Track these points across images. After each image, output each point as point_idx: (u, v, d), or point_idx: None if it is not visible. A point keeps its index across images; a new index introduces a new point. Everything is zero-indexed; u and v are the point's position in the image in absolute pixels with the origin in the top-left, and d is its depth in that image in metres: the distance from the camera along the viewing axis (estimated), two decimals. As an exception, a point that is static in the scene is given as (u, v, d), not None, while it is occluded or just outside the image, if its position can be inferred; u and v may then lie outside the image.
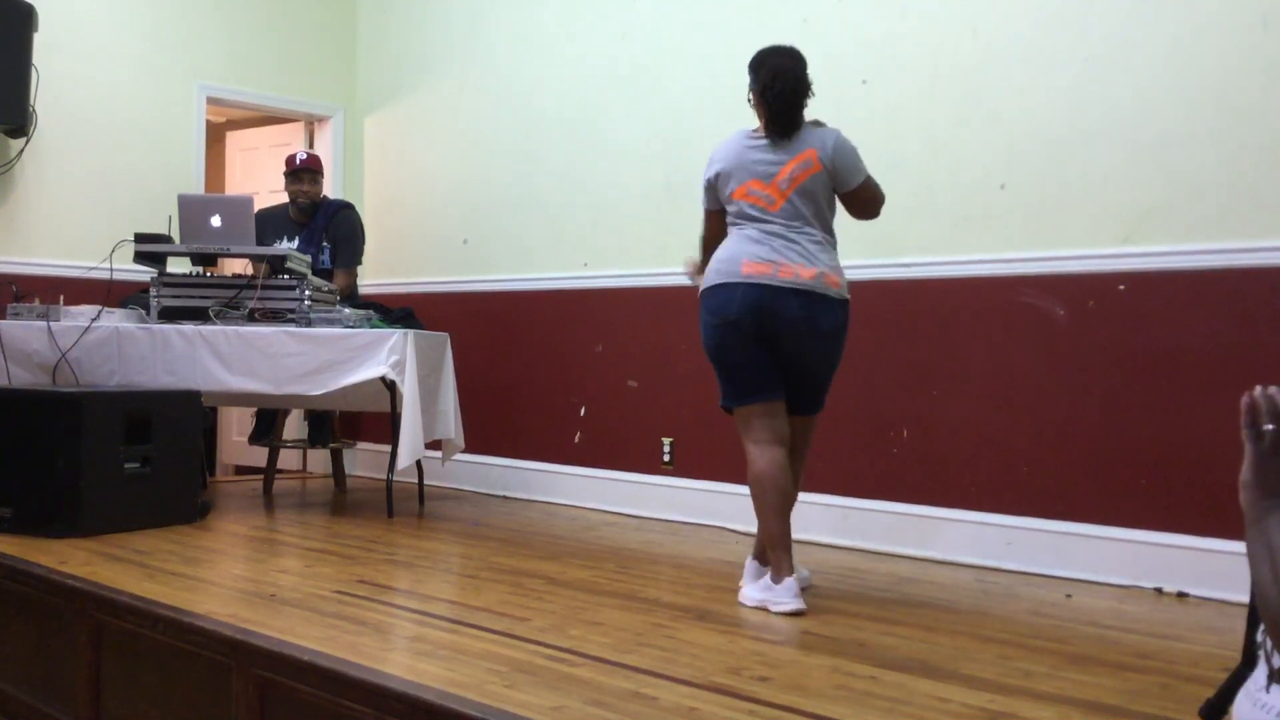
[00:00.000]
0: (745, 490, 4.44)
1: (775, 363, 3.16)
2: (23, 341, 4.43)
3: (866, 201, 3.28)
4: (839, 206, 3.31)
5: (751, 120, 3.30)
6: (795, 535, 4.27)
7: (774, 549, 3.09)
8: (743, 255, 3.13)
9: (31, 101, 5.15)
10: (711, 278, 3.18)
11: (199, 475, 4.45)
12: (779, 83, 3.15)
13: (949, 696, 2.23)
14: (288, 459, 6.22)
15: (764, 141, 3.20)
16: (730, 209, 3.22)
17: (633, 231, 5.06)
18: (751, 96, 3.24)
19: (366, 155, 6.48)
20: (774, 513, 3.12)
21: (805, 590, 3.19)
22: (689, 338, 4.78)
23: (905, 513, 4.06)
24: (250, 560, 3.78)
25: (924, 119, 4.09)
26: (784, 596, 3.01)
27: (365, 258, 5.62)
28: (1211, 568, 3.33)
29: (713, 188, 3.26)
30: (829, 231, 3.23)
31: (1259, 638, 1.28)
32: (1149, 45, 3.59)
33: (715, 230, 3.30)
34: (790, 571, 3.05)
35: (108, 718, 2.90)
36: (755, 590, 3.11)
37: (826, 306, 3.13)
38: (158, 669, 2.75)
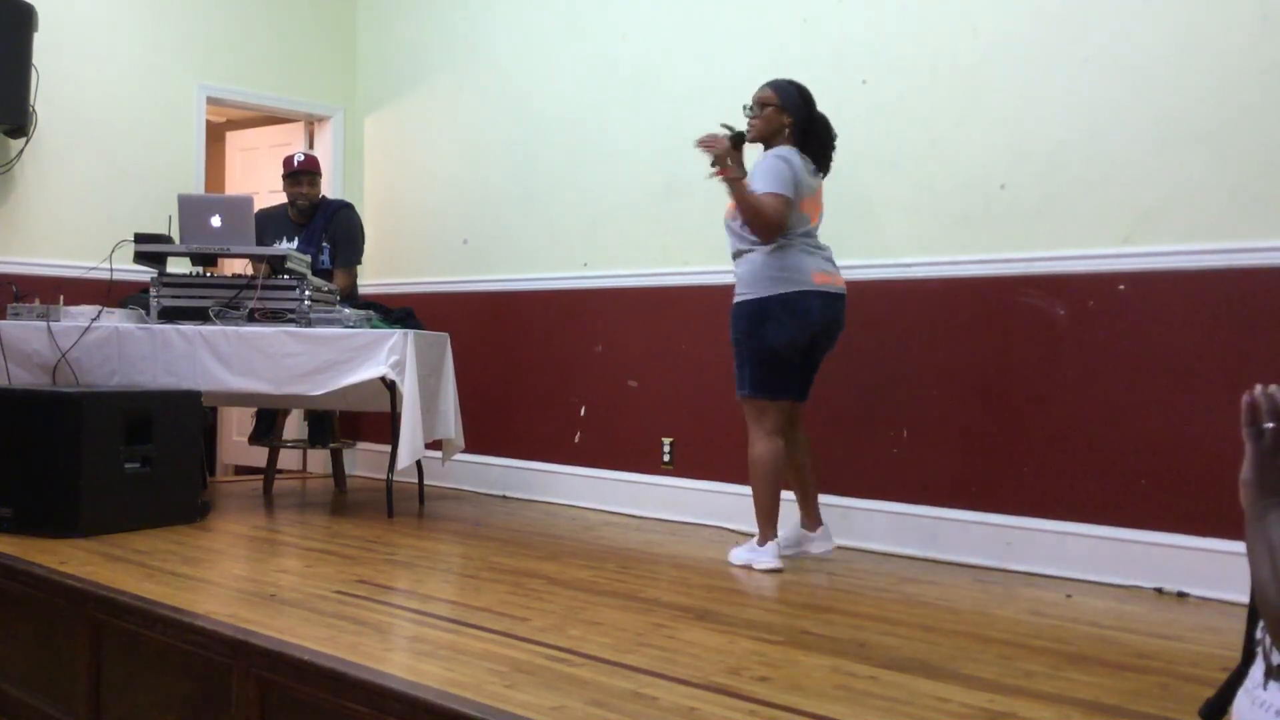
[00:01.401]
0: (745, 490, 4.44)
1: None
2: (23, 341, 4.43)
3: None
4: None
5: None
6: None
7: (769, 520, 3.66)
8: (810, 266, 3.65)
9: (31, 101, 5.15)
10: (790, 285, 3.60)
11: (199, 475, 4.45)
12: (832, 133, 3.79)
13: (949, 696, 2.23)
14: (288, 459, 6.23)
15: (812, 166, 3.73)
16: (797, 215, 3.64)
17: (633, 231, 5.06)
18: (786, 116, 3.68)
19: (366, 155, 6.48)
20: (776, 491, 3.68)
21: (826, 557, 3.86)
22: (689, 338, 4.79)
23: (905, 513, 4.06)
24: (250, 560, 3.78)
25: (924, 119, 4.09)
26: (765, 556, 3.63)
27: (365, 258, 5.62)
28: (1211, 568, 3.33)
29: (797, 187, 3.63)
30: None
31: (1258, 635, 1.28)
32: (1149, 45, 3.59)
33: (789, 219, 3.65)
34: (774, 537, 3.66)
35: (108, 718, 2.90)
36: (743, 551, 3.73)
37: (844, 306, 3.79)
38: (158, 669, 2.75)
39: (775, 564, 3.62)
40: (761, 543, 3.66)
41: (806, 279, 3.61)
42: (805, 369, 3.76)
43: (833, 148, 3.77)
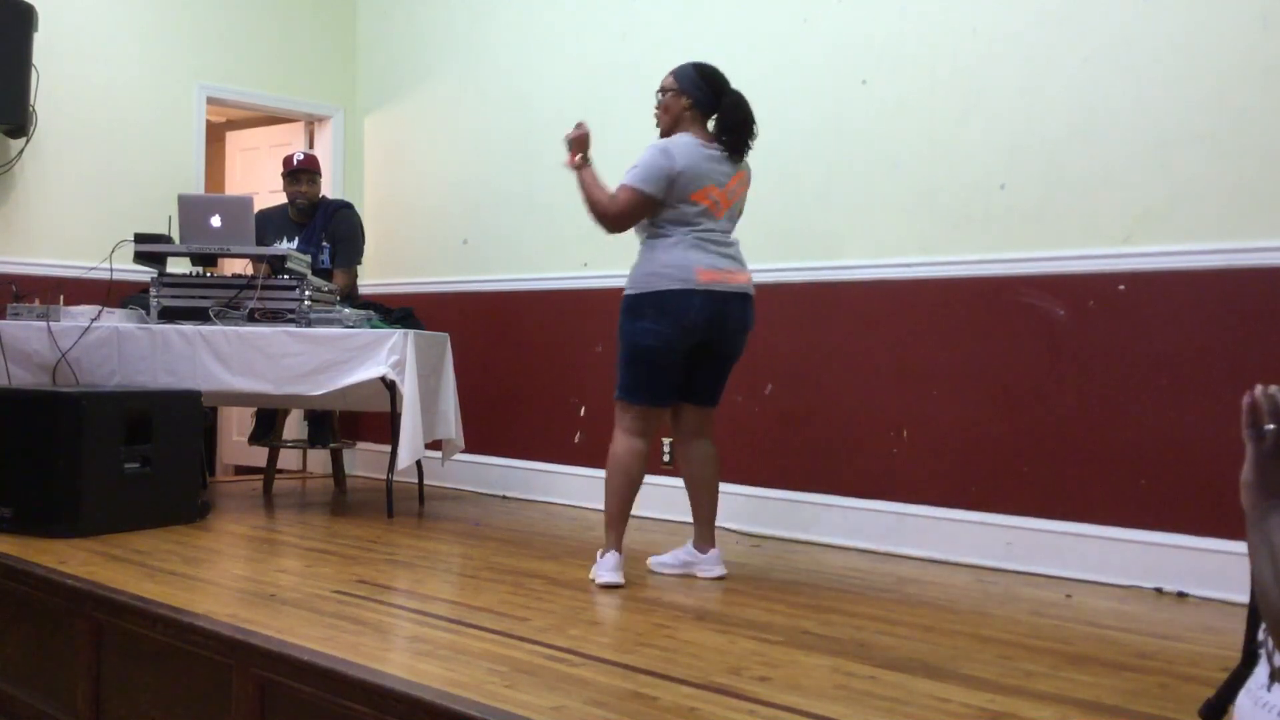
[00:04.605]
0: (744, 490, 4.44)
1: (688, 368, 3.44)
2: (23, 341, 4.42)
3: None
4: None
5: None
6: (798, 535, 4.28)
7: (610, 528, 3.39)
8: (695, 263, 3.34)
9: (31, 101, 5.14)
10: (666, 282, 3.33)
11: (199, 475, 4.45)
12: (745, 115, 3.43)
13: (949, 696, 2.23)
14: (288, 459, 6.22)
15: (718, 154, 3.42)
16: (686, 207, 3.37)
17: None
18: (685, 99, 3.43)
19: (366, 155, 6.48)
20: (625, 499, 3.44)
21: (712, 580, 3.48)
22: (689, 338, 4.78)
23: (905, 513, 4.06)
24: (250, 560, 3.78)
25: (924, 119, 4.09)
26: (601, 570, 3.33)
27: (365, 258, 5.62)
28: (1211, 568, 3.33)
29: (672, 181, 3.34)
30: None
31: (1260, 636, 1.28)
32: (1149, 45, 3.59)
33: (642, 213, 3.41)
34: (615, 546, 3.36)
35: (108, 718, 2.90)
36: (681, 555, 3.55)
37: (752, 306, 3.48)
38: (158, 669, 2.75)
39: (611, 578, 3.28)
40: (602, 553, 3.37)
41: (688, 276, 3.30)
42: (704, 373, 3.46)
43: (748, 133, 3.42)
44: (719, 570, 3.47)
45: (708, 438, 3.55)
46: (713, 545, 3.51)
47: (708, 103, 3.43)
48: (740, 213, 3.52)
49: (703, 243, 3.36)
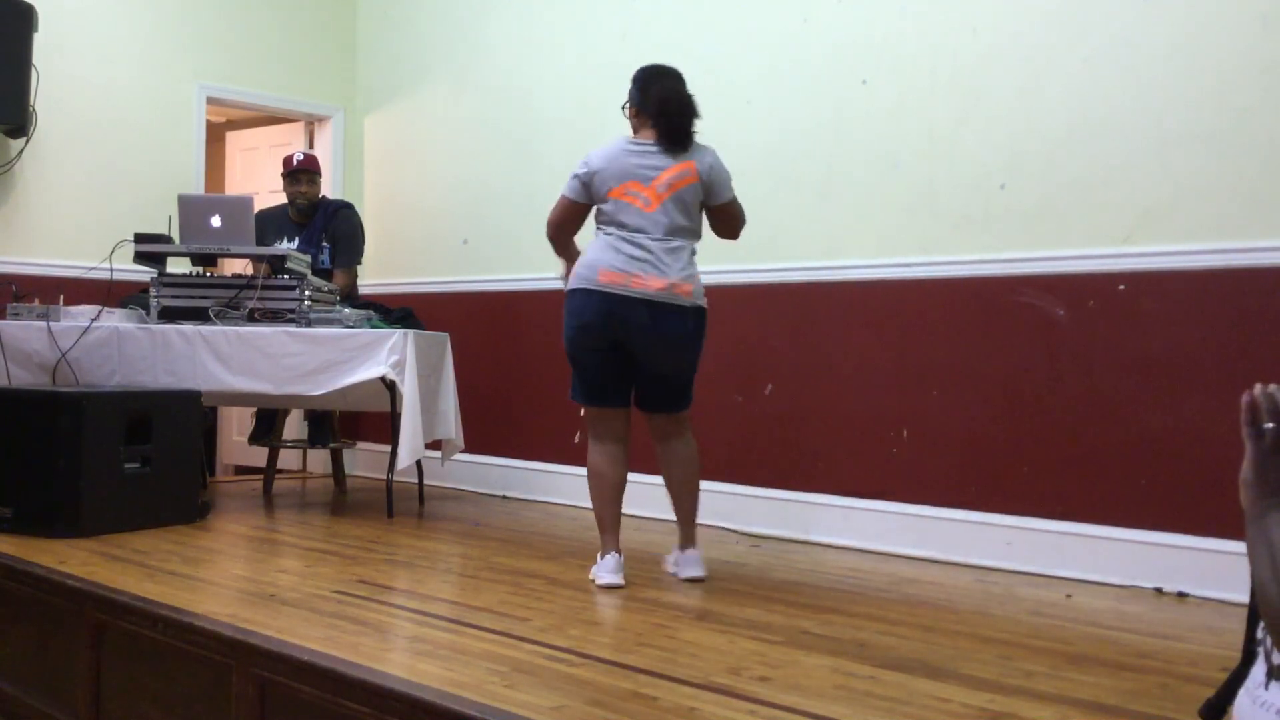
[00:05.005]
0: (743, 490, 4.44)
1: (626, 370, 3.38)
2: (23, 341, 4.43)
3: (732, 218, 3.50)
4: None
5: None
6: (798, 535, 4.28)
7: (603, 531, 3.39)
8: (600, 264, 3.31)
9: (31, 101, 5.15)
10: (575, 281, 3.36)
11: (199, 475, 4.45)
12: (671, 106, 3.37)
13: (949, 696, 2.23)
14: (288, 459, 6.22)
15: (649, 149, 3.37)
16: (605, 207, 3.38)
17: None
18: (631, 108, 3.48)
19: (366, 155, 6.48)
20: (607, 500, 3.41)
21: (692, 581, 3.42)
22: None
23: (905, 512, 4.06)
24: (250, 560, 3.78)
25: (924, 119, 4.09)
26: (600, 571, 3.32)
27: (365, 258, 5.62)
28: (1211, 568, 3.33)
29: (586, 185, 3.40)
30: (694, 238, 3.41)
31: (1259, 635, 1.28)
32: (1149, 45, 3.59)
33: (571, 219, 3.51)
34: (613, 548, 3.34)
35: (108, 718, 2.90)
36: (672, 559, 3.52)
37: (674, 314, 3.30)
38: (158, 669, 2.75)
39: (611, 579, 3.27)
40: (601, 555, 3.35)
41: (591, 275, 3.29)
42: (643, 381, 3.40)
43: (676, 119, 3.34)
44: (695, 571, 3.40)
45: (679, 438, 3.47)
46: (693, 545, 3.46)
47: (640, 103, 3.45)
48: (692, 204, 3.35)
49: (619, 243, 3.30)
